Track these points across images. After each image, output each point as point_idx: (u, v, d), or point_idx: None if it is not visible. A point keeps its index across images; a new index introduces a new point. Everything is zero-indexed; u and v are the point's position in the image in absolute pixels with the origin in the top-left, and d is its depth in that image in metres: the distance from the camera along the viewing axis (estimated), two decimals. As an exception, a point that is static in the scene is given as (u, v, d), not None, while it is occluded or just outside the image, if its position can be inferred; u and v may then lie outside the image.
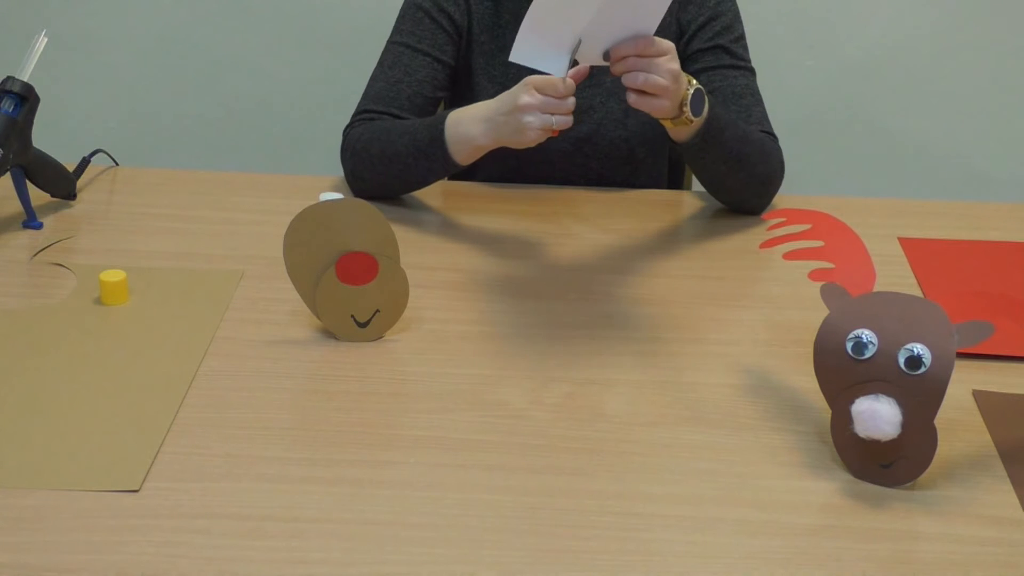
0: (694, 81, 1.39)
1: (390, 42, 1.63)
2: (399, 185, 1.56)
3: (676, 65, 1.33)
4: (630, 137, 1.63)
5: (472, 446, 1.08)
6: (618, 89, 1.60)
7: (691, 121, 1.40)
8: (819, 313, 1.06)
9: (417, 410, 1.14)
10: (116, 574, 0.91)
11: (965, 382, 1.18)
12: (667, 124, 1.42)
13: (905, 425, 0.99)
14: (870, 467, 1.04)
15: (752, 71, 1.62)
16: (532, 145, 1.39)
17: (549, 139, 1.50)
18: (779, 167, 1.56)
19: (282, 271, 1.22)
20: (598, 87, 1.60)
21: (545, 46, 1.32)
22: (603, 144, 1.63)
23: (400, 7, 1.65)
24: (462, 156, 1.47)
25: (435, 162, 1.49)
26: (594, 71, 1.38)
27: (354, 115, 1.61)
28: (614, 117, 1.62)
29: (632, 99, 1.33)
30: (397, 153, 1.51)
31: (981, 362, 1.22)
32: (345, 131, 1.61)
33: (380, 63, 1.63)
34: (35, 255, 1.41)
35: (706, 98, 1.41)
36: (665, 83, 1.31)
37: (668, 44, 1.33)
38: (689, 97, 1.37)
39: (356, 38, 2.23)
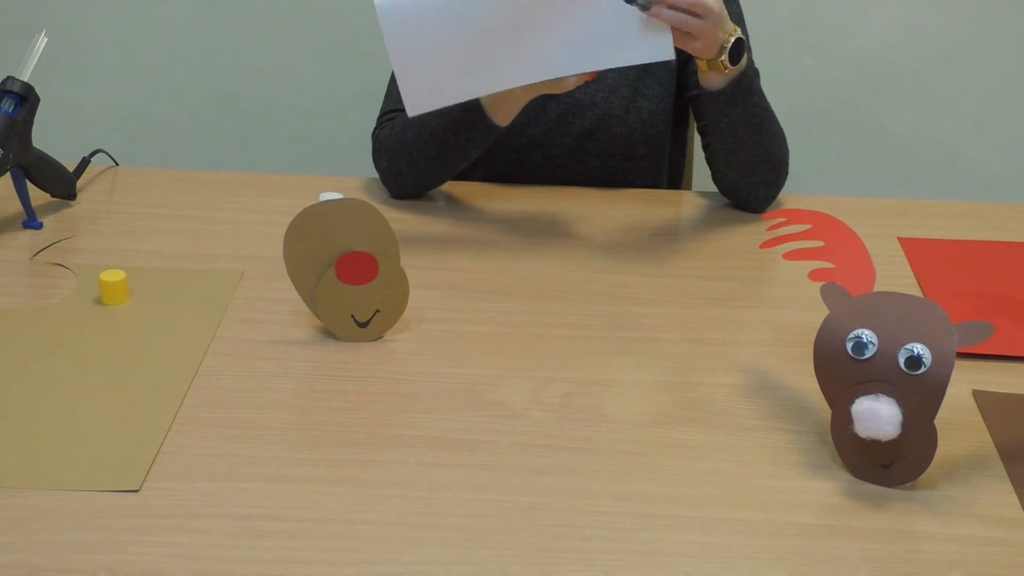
0: (738, 30, 1.41)
1: None
2: (441, 168, 1.55)
3: (716, 4, 1.34)
4: (631, 133, 1.63)
5: (472, 446, 1.08)
6: (620, 85, 1.61)
7: (726, 68, 1.42)
8: (819, 313, 1.06)
9: (417, 410, 1.14)
10: (116, 574, 0.91)
11: (965, 382, 1.18)
12: (702, 66, 1.44)
13: (905, 425, 0.99)
14: (870, 467, 1.04)
15: (756, 71, 1.62)
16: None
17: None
18: (787, 161, 1.57)
19: (282, 271, 1.22)
20: (600, 83, 1.60)
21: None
22: (604, 140, 1.63)
23: None
24: (502, 115, 1.47)
25: (475, 130, 1.48)
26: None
27: (380, 117, 1.61)
28: (615, 113, 1.62)
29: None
30: (434, 132, 1.50)
31: (981, 362, 1.22)
32: (374, 134, 1.61)
33: None
34: (35, 255, 1.41)
35: (745, 52, 1.44)
36: (700, 24, 1.33)
37: None
38: (730, 43, 1.39)
39: (357, 38, 2.23)
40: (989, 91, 2.25)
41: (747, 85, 1.47)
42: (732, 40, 1.40)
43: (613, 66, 1.35)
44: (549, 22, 1.33)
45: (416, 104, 1.39)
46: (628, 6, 1.31)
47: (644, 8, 1.31)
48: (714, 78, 1.45)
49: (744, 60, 1.45)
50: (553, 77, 1.36)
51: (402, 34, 1.35)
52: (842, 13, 2.20)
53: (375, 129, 1.61)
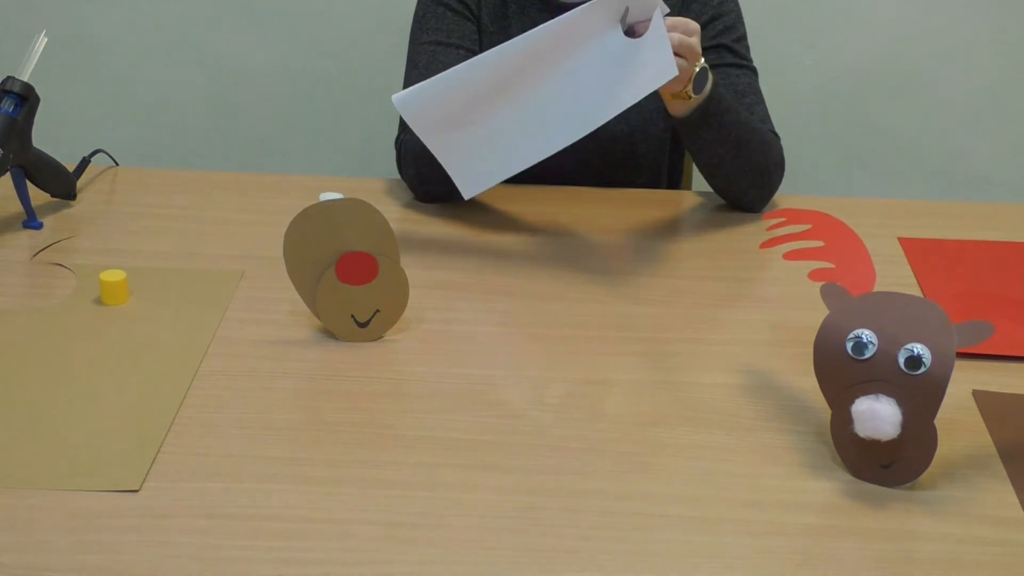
0: (701, 59, 1.41)
1: (418, 44, 1.62)
2: None
3: (698, 46, 1.36)
4: (632, 132, 1.63)
5: (472, 446, 1.08)
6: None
7: (690, 97, 1.42)
8: (819, 313, 1.06)
9: (417, 410, 1.14)
10: (116, 574, 0.91)
11: (965, 382, 1.18)
12: (666, 97, 1.44)
13: (905, 425, 0.99)
14: (870, 467, 1.04)
15: (754, 70, 1.62)
16: None
17: None
18: (779, 162, 1.57)
19: (282, 271, 1.22)
20: None
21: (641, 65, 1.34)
22: (605, 138, 1.63)
23: (415, 9, 1.65)
24: None
25: None
26: None
27: (402, 122, 1.61)
28: None
29: None
30: None
31: (981, 362, 1.22)
32: (398, 141, 1.60)
33: (414, 66, 1.61)
34: (35, 255, 1.41)
35: (709, 77, 1.43)
36: (683, 64, 1.34)
37: (696, 25, 1.36)
38: (694, 74, 1.39)
39: (357, 38, 2.24)
40: (989, 91, 2.25)
41: (715, 108, 1.46)
42: (696, 70, 1.40)
43: (636, 100, 1.35)
44: (564, 82, 1.34)
45: (469, 188, 1.43)
46: (629, 40, 1.32)
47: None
48: (679, 107, 1.46)
49: (708, 87, 1.44)
50: (588, 131, 1.37)
51: (429, 123, 1.37)
52: (842, 13, 2.20)
53: (399, 135, 1.61)
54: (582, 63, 1.33)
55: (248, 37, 2.26)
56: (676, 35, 1.33)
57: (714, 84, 1.45)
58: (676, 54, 1.33)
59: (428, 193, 1.58)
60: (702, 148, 1.51)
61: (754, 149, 1.52)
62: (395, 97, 1.35)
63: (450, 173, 1.42)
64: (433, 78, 1.35)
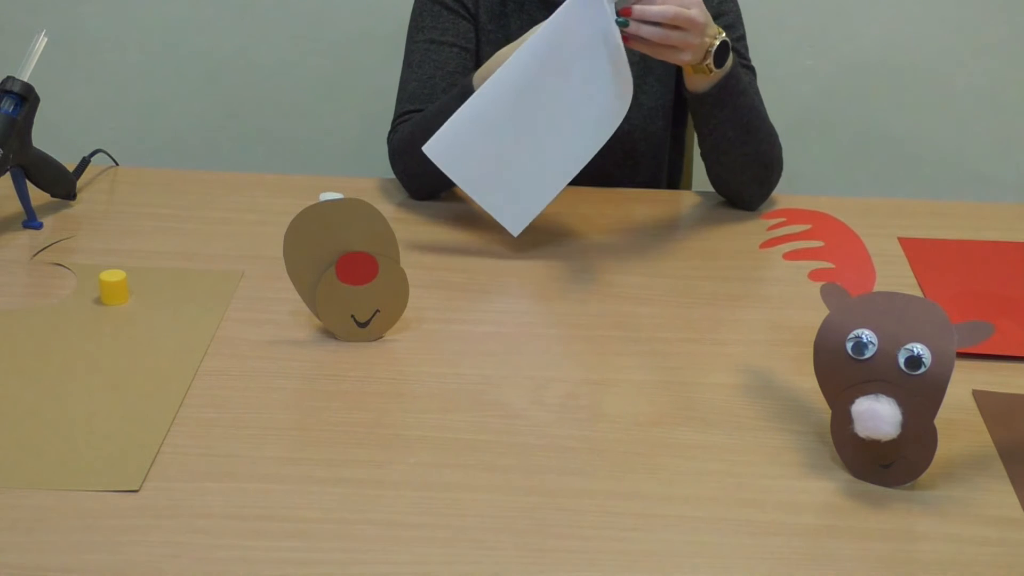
0: (722, 32, 1.40)
1: (413, 42, 1.63)
2: None
3: (701, 16, 1.34)
4: (632, 131, 1.63)
5: (472, 446, 1.08)
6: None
7: (711, 71, 1.41)
8: (819, 313, 1.06)
9: (417, 410, 1.14)
10: (116, 574, 0.91)
11: (965, 382, 1.18)
12: (687, 70, 1.44)
13: (905, 425, 0.99)
14: (870, 467, 1.04)
15: (753, 70, 1.62)
16: None
17: None
18: (779, 159, 1.57)
19: (282, 271, 1.22)
20: None
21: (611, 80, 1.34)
22: None
23: (412, 8, 1.65)
24: None
25: None
26: None
27: (394, 120, 1.61)
28: None
29: (650, 51, 1.36)
30: None
31: (981, 362, 1.22)
32: (389, 138, 1.61)
33: (408, 64, 1.62)
34: (35, 255, 1.41)
35: (730, 52, 1.43)
36: (685, 36, 1.33)
37: None
38: (715, 47, 1.39)
39: (357, 38, 2.24)
40: (989, 91, 2.25)
41: (733, 86, 1.46)
42: (717, 43, 1.39)
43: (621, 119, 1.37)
44: (580, 85, 1.34)
45: (516, 224, 1.44)
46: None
47: (623, 26, 1.31)
48: (699, 81, 1.45)
49: (730, 62, 1.44)
50: (617, 124, 1.37)
51: (463, 168, 1.39)
52: (842, 13, 2.20)
53: (390, 132, 1.61)
54: (590, 61, 1.33)
55: (248, 37, 2.26)
56: (672, 7, 1.31)
57: (734, 62, 1.45)
58: (675, 27, 1.32)
59: (419, 189, 1.58)
60: (714, 129, 1.51)
61: (762, 138, 1.52)
62: (426, 148, 1.37)
63: (494, 215, 1.43)
64: (452, 117, 1.35)
